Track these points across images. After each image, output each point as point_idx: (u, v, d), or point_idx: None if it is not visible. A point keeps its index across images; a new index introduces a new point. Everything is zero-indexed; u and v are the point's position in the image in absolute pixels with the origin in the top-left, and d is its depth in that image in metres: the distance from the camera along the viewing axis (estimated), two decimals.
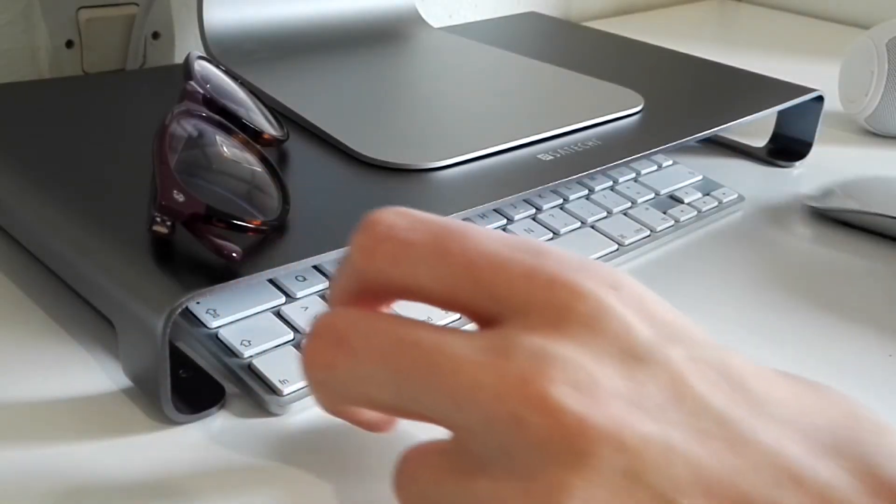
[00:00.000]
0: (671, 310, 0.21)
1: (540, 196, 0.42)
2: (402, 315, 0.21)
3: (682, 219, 0.43)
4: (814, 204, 0.46)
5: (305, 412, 0.29)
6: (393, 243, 0.21)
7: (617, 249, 0.40)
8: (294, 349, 0.30)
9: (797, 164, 0.52)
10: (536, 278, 0.20)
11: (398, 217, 0.21)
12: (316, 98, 0.43)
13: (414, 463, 0.20)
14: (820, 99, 0.50)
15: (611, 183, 0.45)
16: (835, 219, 0.46)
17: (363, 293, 0.22)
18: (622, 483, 0.17)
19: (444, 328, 0.20)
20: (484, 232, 0.21)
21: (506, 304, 0.20)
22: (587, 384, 0.18)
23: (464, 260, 0.20)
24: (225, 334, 0.30)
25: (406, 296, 0.21)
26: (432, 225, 0.21)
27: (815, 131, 0.52)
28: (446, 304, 0.21)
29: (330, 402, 0.22)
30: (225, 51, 0.46)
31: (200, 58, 0.37)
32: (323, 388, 0.21)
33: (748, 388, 0.20)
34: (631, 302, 0.20)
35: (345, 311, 0.21)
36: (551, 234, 0.40)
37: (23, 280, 0.34)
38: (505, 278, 0.20)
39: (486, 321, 0.20)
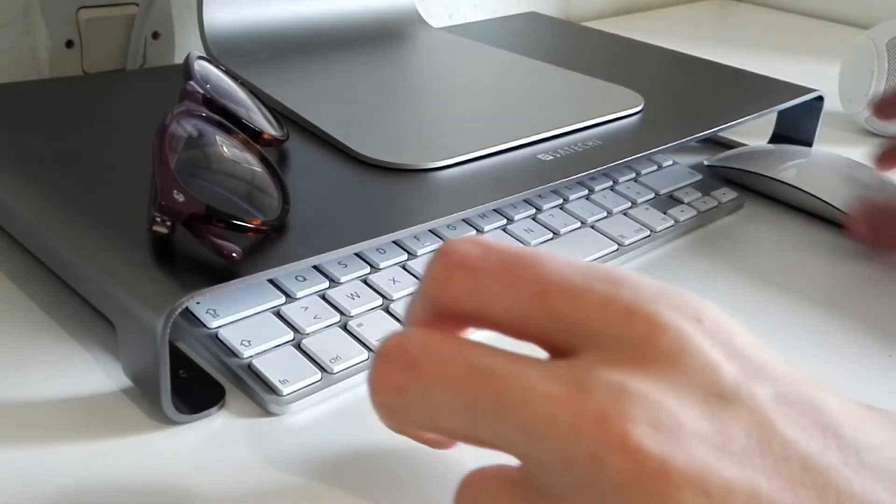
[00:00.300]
0: (758, 343, 0.20)
1: (540, 196, 0.42)
2: (476, 340, 0.20)
3: (681, 219, 0.43)
4: (706, 162, 0.50)
5: (305, 412, 0.29)
6: (465, 273, 0.20)
7: (617, 249, 0.40)
8: (294, 349, 0.30)
9: None
10: (612, 308, 0.19)
11: (472, 246, 0.21)
12: (316, 98, 0.43)
13: (479, 490, 0.20)
14: (820, 99, 0.50)
15: (611, 183, 0.45)
16: (723, 176, 0.49)
17: (437, 321, 0.21)
18: None
19: (518, 356, 0.19)
20: (558, 260, 0.20)
21: (580, 336, 0.19)
22: (669, 424, 0.17)
23: (536, 290, 0.20)
24: (225, 334, 0.30)
25: (479, 325, 0.21)
26: (505, 254, 0.20)
27: (815, 131, 0.52)
28: (519, 335, 0.20)
29: (395, 424, 0.21)
30: (225, 51, 0.46)
31: (200, 58, 0.37)
32: (389, 411, 0.20)
33: (840, 432, 0.19)
34: (715, 335, 0.19)
35: (417, 333, 0.20)
36: (551, 234, 0.40)
37: (23, 280, 0.34)
38: (578, 308, 0.19)
39: (561, 352, 0.20)
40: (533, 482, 0.19)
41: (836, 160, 0.47)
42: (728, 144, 0.54)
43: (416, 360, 0.20)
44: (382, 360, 0.20)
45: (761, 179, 0.47)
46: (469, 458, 0.27)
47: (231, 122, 0.34)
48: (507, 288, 0.20)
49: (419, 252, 0.36)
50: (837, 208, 0.44)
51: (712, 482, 0.17)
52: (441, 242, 0.37)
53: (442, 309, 0.21)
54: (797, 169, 0.47)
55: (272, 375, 0.29)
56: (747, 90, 0.50)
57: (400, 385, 0.20)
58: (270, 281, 0.33)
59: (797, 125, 0.52)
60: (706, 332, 0.19)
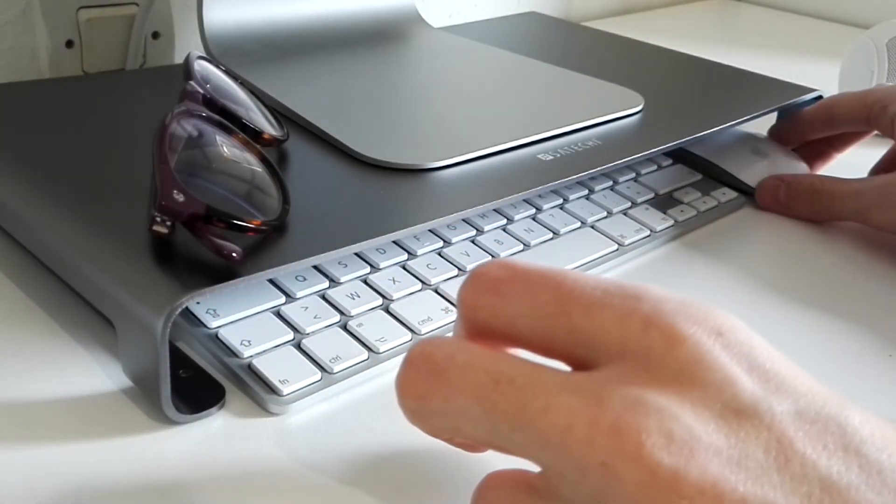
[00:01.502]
0: (780, 358, 0.20)
1: (540, 196, 0.42)
2: (502, 351, 0.21)
3: (681, 219, 0.43)
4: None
5: (305, 412, 0.29)
6: (493, 297, 0.21)
7: (617, 249, 0.40)
8: (294, 349, 0.30)
9: None
10: (630, 322, 0.19)
11: (499, 269, 0.22)
12: (316, 98, 0.43)
13: (496, 492, 0.20)
14: (820, 99, 0.50)
15: (611, 183, 0.45)
16: None
17: (471, 339, 0.22)
18: None
19: (540, 366, 0.20)
20: (580, 278, 0.21)
21: (600, 350, 0.20)
22: (683, 437, 0.17)
23: (557, 309, 0.20)
24: (225, 334, 0.30)
25: (508, 343, 0.21)
26: (530, 275, 0.21)
27: None
28: (545, 352, 0.21)
29: (423, 428, 0.22)
30: (225, 51, 0.46)
31: (200, 58, 0.37)
32: (415, 416, 0.21)
33: (863, 451, 0.18)
34: (735, 349, 0.19)
35: (443, 342, 0.21)
36: (551, 234, 0.40)
37: (23, 280, 0.34)
38: (598, 323, 0.20)
39: (584, 367, 0.20)
40: (550, 489, 0.19)
41: (748, 136, 0.51)
42: None
43: (440, 367, 0.20)
44: (409, 367, 0.21)
45: (688, 154, 0.49)
46: (471, 460, 0.27)
47: (231, 122, 0.34)
48: (530, 308, 0.21)
49: (419, 252, 0.36)
50: (740, 179, 0.47)
51: (726, 496, 0.17)
52: (440, 242, 0.37)
53: (474, 329, 0.22)
54: (712, 144, 0.49)
55: (272, 375, 0.29)
56: (747, 90, 0.50)
57: (424, 392, 0.20)
58: (270, 281, 0.33)
59: None
60: (726, 346, 0.19)
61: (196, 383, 0.29)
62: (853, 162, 0.49)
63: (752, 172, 0.47)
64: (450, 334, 0.24)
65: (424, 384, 0.20)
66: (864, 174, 0.48)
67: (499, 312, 0.21)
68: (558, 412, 0.18)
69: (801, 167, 0.50)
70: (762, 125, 0.52)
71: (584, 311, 0.20)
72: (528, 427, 0.19)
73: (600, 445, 0.18)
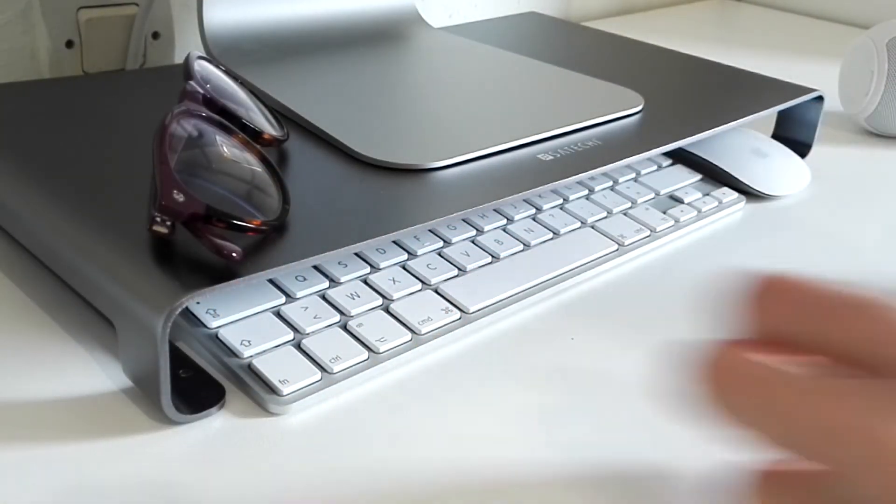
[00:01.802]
0: None
1: (540, 196, 0.42)
2: (792, 358, 0.21)
3: (682, 219, 0.43)
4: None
5: (305, 412, 0.29)
6: (780, 305, 0.22)
7: (617, 249, 0.40)
8: (294, 349, 0.30)
9: None
10: None
11: (787, 280, 0.22)
12: (316, 98, 0.43)
13: (777, 483, 0.21)
14: (820, 99, 0.50)
15: (611, 183, 0.45)
16: None
17: (764, 347, 0.22)
18: None
19: (830, 375, 0.20)
20: (879, 297, 0.21)
21: (887, 358, 0.19)
22: None
23: (838, 318, 0.20)
24: (225, 334, 0.30)
25: (800, 352, 0.22)
26: (821, 290, 0.21)
27: (815, 131, 0.52)
28: (833, 360, 0.21)
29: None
30: (225, 51, 0.46)
31: (200, 58, 0.37)
32: (725, 412, 0.22)
33: None
34: None
35: (735, 347, 0.22)
36: (551, 234, 0.40)
37: (23, 280, 0.34)
38: (880, 333, 0.20)
39: (874, 374, 0.20)
40: (833, 490, 0.19)
41: (748, 136, 0.51)
42: None
43: (737, 373, 0.21)
44: (707, 366, 0.22)
45: (688, 154, 0.49)
46: (472, 461, 0.27)
47: (231, 122, 0.34)
48: (814, 317, 0.21)
49: (419, 252, 0.36)
50: (740, 179, 0.47)
51: None
52: (440, 242, 0.37)
53: (766, 335, 0.22)
54: (712, 145, 0.49)
55: (272, 375, 0.29)
56: (747, 90, 0.50)
57: (727, 392, 0.21)
58: (270, 281, 0.33)
59: (797, 125, 0.52)
60: None
61: (196, 383, 0.29)
62: None
63: (752, 172, 0.47)
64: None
65: (722, 382, 0.21)
66: None
67: (789, 322, 0.22)
68: (853, 419, 0.18)
69: (802, 167, 0.50)
70: (762, 125, 0.53)
71: (867, 323, 0.20)
72: (822, 434, 0.19)
73: (892, 458, 0.17)
